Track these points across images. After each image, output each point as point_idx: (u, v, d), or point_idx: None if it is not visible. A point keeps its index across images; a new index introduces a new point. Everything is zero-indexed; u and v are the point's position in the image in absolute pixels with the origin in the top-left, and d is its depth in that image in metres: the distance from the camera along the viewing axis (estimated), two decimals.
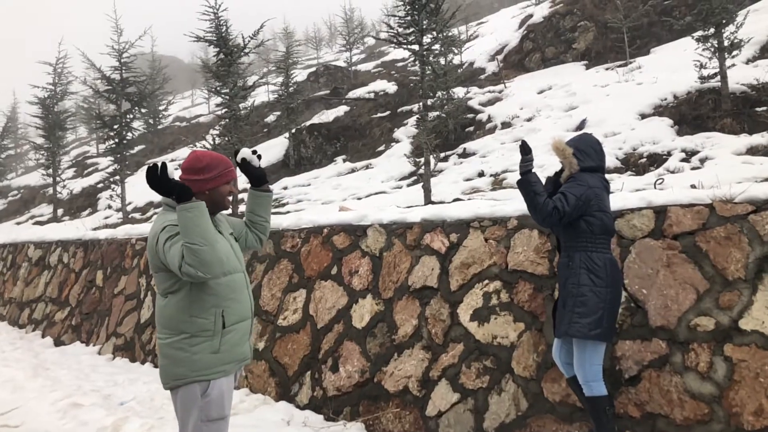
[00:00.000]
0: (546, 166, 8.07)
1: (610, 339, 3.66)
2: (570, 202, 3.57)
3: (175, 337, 2.87)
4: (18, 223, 19.16)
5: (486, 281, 4.77)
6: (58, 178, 17.46)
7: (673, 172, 7.52)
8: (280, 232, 6.70)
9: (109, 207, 16.95)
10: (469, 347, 4.67)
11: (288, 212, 10.47)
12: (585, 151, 3.85)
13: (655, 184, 6.55)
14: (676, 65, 11.31)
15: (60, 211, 18.07)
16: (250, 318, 3.10)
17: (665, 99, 9.98)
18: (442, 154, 11.81)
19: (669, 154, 8.19)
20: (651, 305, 3.89)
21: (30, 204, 22.72)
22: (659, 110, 9.78)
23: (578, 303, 3.53)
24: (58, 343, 9.48)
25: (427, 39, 9.17)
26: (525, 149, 3.70)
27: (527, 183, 3.67)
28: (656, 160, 8.19)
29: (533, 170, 3.73)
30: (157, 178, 2.70)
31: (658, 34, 14.14)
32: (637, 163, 8.30)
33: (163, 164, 2.73)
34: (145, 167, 21.16)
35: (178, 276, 2.78)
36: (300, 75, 24.12)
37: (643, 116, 9.78)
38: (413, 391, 4.86)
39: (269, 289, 6.49)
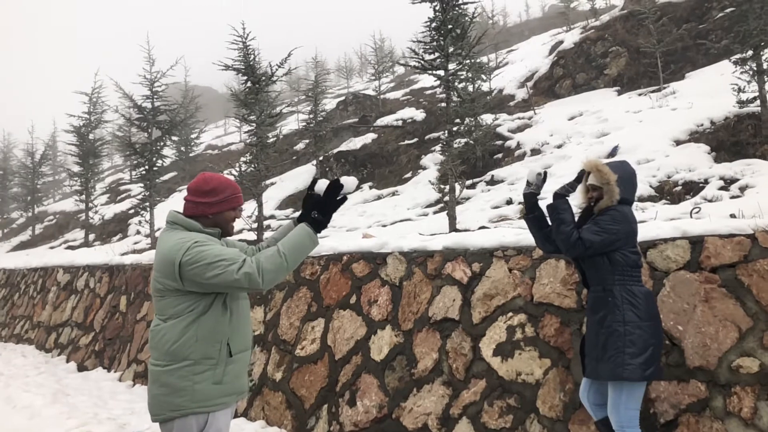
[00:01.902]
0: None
1: (662, 377, 3.39)
2: (602, 237, 3.33)
3: (176, 364, 2.70)
4: (52, 248, 19.47)
5: (510, 314, 4.52)
6: (90, 204, 17.72)
7: (710, 201, 7.19)
8: None
9: (138, 232, 17.11)
10: (491, 384, 4.41)
11: None
12: (628, 181, 3.60)
13: (691, 213, 6.24)
14: (712, 90, 10.99)
15: (92, 236, 18.32)
16: (250, 349, 2.97)
17: (701, 125, 9.66)
18: (470, 182, 11.62)
19: (706, 182, 7.85)
20: (688, 343, 3.60)
21: (64, 229, 23.13)
22: (695, 136, 9.46)
23: (627, 343, 3.23)
24: (81, 368, 9.42)
25: (452, 65, 9.05)
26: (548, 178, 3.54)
27: (555, 209, 3.49)
28: (692, 188, 7.86)
29: (568, 197, 3.54)
30: (334, 198, 2.75)
31: (693, 58, 13.82)
32: (671, 192, 7.98)
33: (344, 196, 2.78)
34: (176, 193, 21.26)
35: (193, 298, 2.70)
36: (330, 103, 24.31)
37: (678, 143, 9.46)
38: (433, 429, 4.61)
39: (288, 317, 6.32)
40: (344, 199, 2.81)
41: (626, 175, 3.60)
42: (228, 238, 3.04)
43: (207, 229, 2.85)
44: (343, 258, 6.03)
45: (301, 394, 5.73)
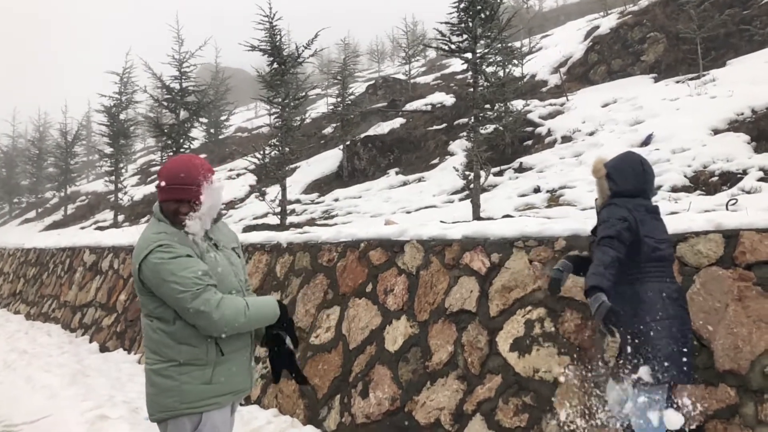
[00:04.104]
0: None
1: (687, 380, 3.10)
2: (613, 229, 3.11)
3: (162, 363, 2.56)
4: (82, 228, 19.75)
5: (529, 307, 4.31)
6: (120, 185, 17.89)
7: (748, 192, 6.82)
8: (318, 245, 6.43)
9: None
10: (507, 380, 4.22)
11: (335, 224, 10.23)
12: (623, 171, 3.34)
13: (727, 204, 5.91)
14: (755, 77, 10.48)
15: (121, 217, 18.50)
16: (250, 345, 2.76)
17: (742, 113, 9.21)
18: (497, 168, 11.33)
19: (744, 172, 7.47)
20: (718, 345, 3.36)
21: (95, 209, 23.46)
22: (735, 125, 9.02)
23: (640, 345, 3.02)
24: (103, 349, 9.51)
25: (480, 48, 8.75)
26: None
27: (601, 288, 2.99)
28: (729, 178, 7.49)
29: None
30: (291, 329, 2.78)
31: (735, 45, 13.22)
32: (707, 182, 7.61)
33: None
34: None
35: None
36: (359, 87, 24.10)
37: (716, 132, 9.04)
38: (445, 424, 4.44)
39: (303, 304, 6.21)
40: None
41: (620, 164, 3.37)
42: (219, 235, 2.78)
43: (177, 225, 2.60)
44: (361, 245, 5.88)
45: (315, 383, 5.62)
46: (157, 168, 25.68)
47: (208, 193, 2.59)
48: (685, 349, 3.03)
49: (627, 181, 3.31)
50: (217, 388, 2.58)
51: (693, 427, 3.24)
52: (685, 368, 3.01)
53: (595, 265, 3.08)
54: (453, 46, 8.74)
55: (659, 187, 7.72)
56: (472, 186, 8.27)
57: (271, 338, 2.78)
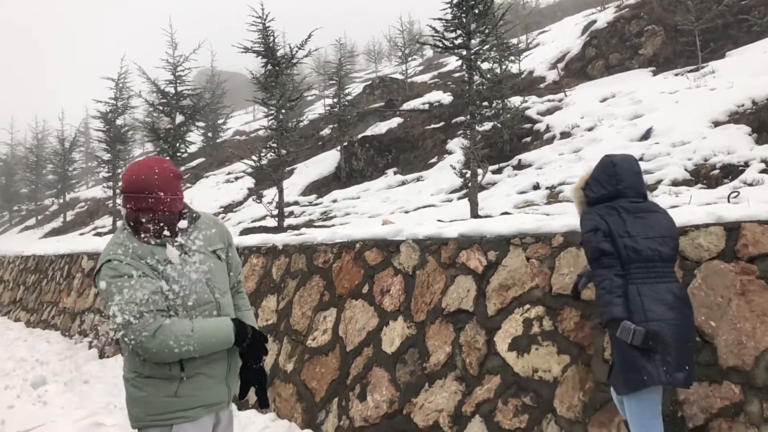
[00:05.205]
0: None
1: (681, 384, 2.92)
2: (588, 250, 3.09)
3: (132, 373, 2.47)
4: (82, 234, 19.70)
5: (527, 306, 4.21)
6: (118, 191, 17.81)
7: (750, 185, 6.72)
8: (314, 246, 6.34)
9: None
10: (506, 381, 4.12)
11: (333, 225, 10.14)
12: (596, 178, 3.28)
13: (728, 197, 5.81)
14: (755, 68, 10.39)
15: (120, 223, 18.45)
16: (226, 359, 2.58)
17: (742, 105, 9.10)
18: (496, 166, 11.24)
19: (746, 164, 7.37)
20: (721, 341, 3.26)
21: (95, 215, 23.40)
22: (735, 117, 8.91)
23: (619, 349, 2.95)
24: (101, 355, 9.41)
25: (475, 43, 8.65)
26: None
27: (618, 318, 2.91)
28: (731, 171, 7.39)
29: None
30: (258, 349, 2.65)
31: (734, 36, 13.12)
32: (708, 175, 7.51)
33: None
34: (203, 179, 21.18)
35: None
36: (356, 88, 24.02)
37: (717, 124, 8.94)
38: (444, 427, 4.34)
39: (300, 307, 6.11)
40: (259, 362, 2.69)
41: (594, 172, 3.34)
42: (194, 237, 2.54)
43: (138, 237, 2.43)
44: (356, 246, 5.78)
45: (312, 386, 5.52)
46: None
47: (171, 201, 2.42)
48: (677, 353, 2.87)
49: (601, 186, 3.24)
50: (185, 402, 2.44)
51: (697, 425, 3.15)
52: (677, 371, 2.86)
53: (599, 295, 2.98)
54: (447, 43, 8.64)
55: (659, 182, 7.62)
56: (469, 184, 8.17)
57: (245, 355, 2.67)
